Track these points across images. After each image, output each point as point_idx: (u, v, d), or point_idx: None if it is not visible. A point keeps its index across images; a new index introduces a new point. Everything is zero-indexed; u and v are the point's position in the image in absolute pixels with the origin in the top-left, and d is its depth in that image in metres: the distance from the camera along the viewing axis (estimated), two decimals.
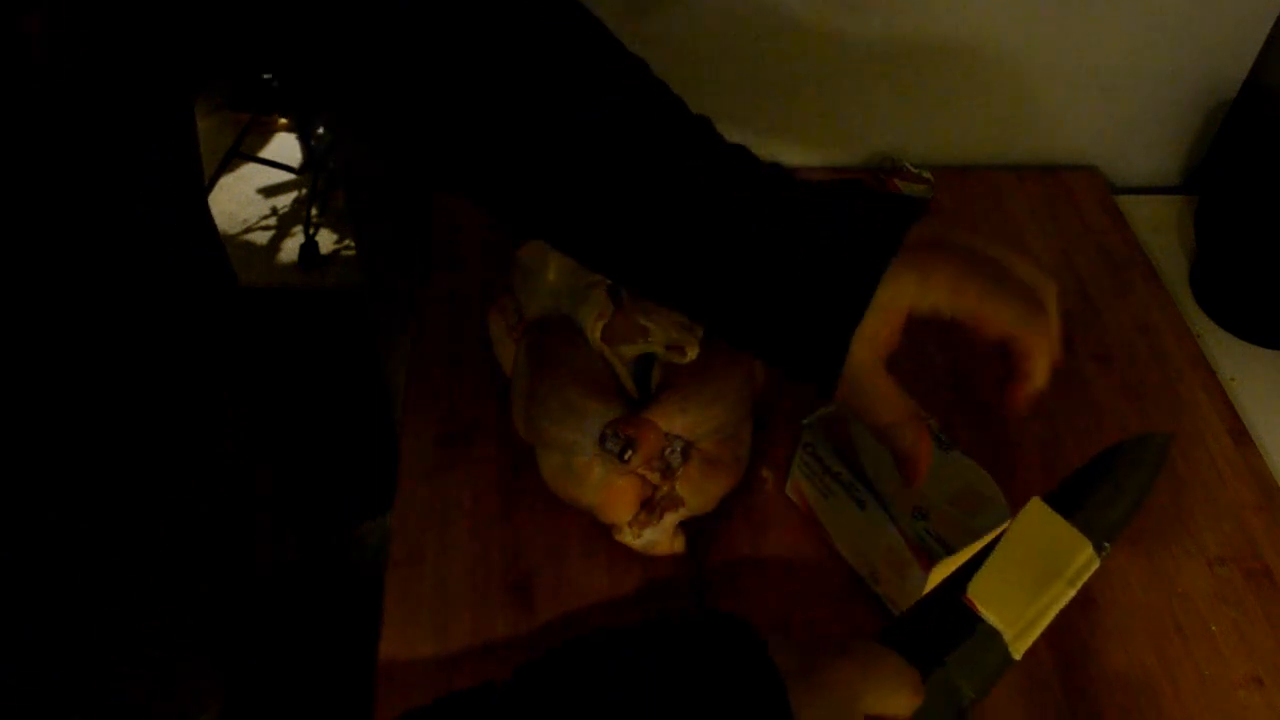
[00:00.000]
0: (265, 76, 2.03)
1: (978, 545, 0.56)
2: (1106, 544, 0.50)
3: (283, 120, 2.26)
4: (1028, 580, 0.45)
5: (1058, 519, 0.46)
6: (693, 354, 0.61)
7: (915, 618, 0.46)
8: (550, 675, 0.39)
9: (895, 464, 0.47)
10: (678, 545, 0.61)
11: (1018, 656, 0.45)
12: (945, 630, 0.44)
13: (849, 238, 0.43)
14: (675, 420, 0.59)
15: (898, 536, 0.57)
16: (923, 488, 0.57)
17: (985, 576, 0.45)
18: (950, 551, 0.55)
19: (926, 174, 0.89)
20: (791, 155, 0.91)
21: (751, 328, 0.45)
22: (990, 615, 0.44)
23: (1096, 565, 0.46)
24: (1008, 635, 0.44)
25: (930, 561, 0.55)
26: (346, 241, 2.06)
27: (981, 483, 0.59)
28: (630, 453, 0.57)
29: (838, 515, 0.62)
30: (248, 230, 2.12)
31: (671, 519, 0.60)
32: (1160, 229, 0.90)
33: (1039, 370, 0.45)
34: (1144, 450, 0.53)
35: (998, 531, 0.56)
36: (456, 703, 0.39)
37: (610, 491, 0.59)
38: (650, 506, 0.60)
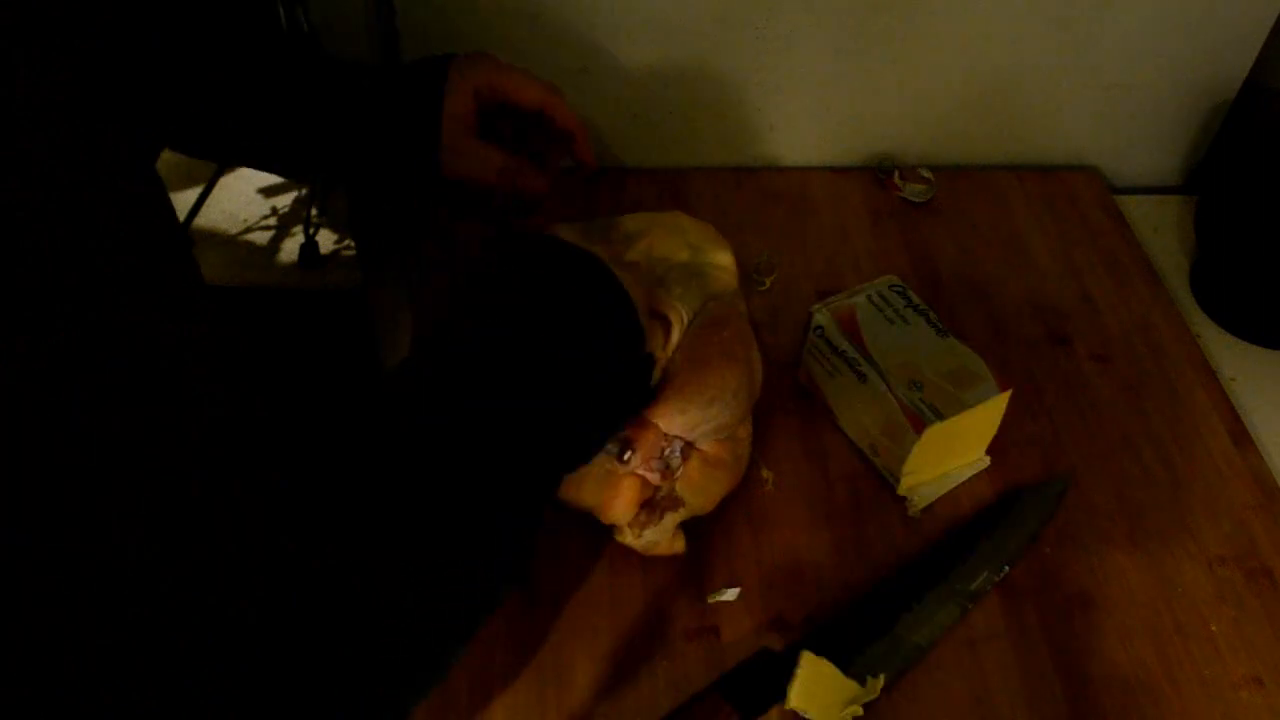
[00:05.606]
0: None
1: (966, 415, 0.62)
2: (1007, 566, 0.62)
3: None
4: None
5: (829, 668, 0.55)
6: (680, 330, 0.61)
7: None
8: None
9: (513, 207, 0.66)
10: (678, 545, 0.61)
11: None
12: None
13: (422, 65, 0.64)
14: (675, 420, 0.59)
15: (894, 404, 0.62)
16: (920, 364, 0.64)
17: (799, 692, 0.54)
18: (941, 418, 0.61)
19: (926, 174, 0.89)
20: (792, 155, 0.91)
21: (372, 139, 0.63)
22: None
23: (874, 694, 0.56)
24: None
25: (922, 424, 0.60)
26: (346, 241, 2.05)
27: (974, 364, 0.64)
28: (630, 453, 0.57)
29: (842, 391, 0.67)
30: (248, 230, 2.11)
31: (671, 519, 0.60)
32: (1160, 229, 0.90)
33: (575, 124, 0.66)
34: (1043, 494, 0.66)
35: (985, 405, 0.62)
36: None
37: (610, 492, 0.59)
38: (650, 506, 0.60)
